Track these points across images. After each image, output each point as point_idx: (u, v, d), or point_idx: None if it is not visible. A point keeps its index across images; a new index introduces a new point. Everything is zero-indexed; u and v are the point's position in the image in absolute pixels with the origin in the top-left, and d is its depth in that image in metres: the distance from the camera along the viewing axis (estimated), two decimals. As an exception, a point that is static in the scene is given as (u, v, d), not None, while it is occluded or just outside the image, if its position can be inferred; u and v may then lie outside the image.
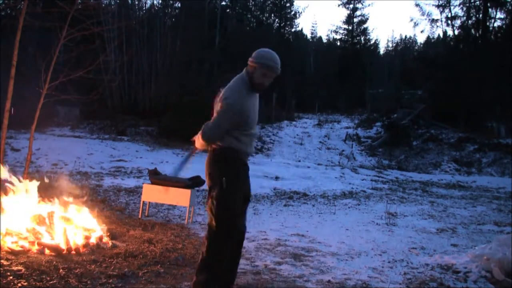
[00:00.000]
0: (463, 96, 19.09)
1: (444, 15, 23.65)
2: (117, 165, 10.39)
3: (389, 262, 4.45)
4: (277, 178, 10.28)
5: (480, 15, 22.19)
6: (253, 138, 3.07)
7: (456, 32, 23.50)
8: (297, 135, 19.53)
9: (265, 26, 33.30)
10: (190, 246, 4.43)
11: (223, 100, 2.91)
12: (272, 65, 2.95)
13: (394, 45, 54.78)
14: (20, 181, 4.45)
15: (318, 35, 54.51)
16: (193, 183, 5.76)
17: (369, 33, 40.41)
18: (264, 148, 16.51)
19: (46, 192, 4.79)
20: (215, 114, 2.97)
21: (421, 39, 73.90)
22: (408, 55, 43.05)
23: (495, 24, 22.66)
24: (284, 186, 9.31)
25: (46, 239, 3.97)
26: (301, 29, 51.99)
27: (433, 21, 24.21)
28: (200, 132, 3.01)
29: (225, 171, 2.94)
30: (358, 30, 38.52)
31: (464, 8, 22.87)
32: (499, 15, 23.70)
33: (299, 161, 14.51)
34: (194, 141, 3.14)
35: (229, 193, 2.90)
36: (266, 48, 3.07)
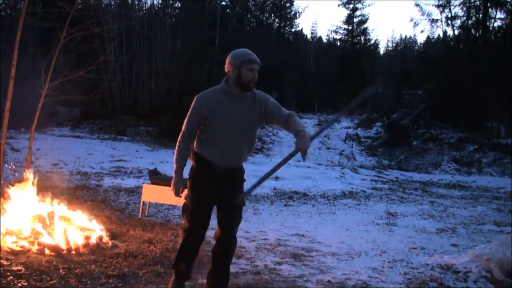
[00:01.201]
0: (463, 96, 19.08)
1: (444, 15, 23.64)
2: (117, 165, 10.39)
3: (389, 262, 4.45)
4: (277, 178, 10.27)
5: (480, 15, 22.17)
6: (223, 148, 2.93)
7: (456, 32, 23.50)
8: (297, 135, 19.51)
9: (265, 26, 33.28)
10: (190, 246, 4.42)
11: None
12: (252, 57, 2.92)
13: (394, 45, 54.77)
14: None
15: (318, 35, 54.51)
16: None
17: (369, 33, 40.34)
18: (264, 148, 16.51)
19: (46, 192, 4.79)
20: None
21: (421, 39, 73.80)
22: (408, 55, 43.03)
23: (495, 24, 22.66)
24: (284, 186, 9.31)
25: (46, 239, 3.97)
26: (301, 29, 51.91)
27: (433, 21, 24.19)
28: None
29: (190, 175, 3.03)
30: (358, 30, 38.47)
31: (464, 8, 22.85)
32: (499, 15, 23.72)
33: (299, 161, 14.50)
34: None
35: (190, 196, 3.00)
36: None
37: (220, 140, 2.92)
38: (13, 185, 4.38)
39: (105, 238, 4.30)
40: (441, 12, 23.59)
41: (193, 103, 2.95)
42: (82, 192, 7.21)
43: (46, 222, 4.10)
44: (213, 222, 3.06)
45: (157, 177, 5.84)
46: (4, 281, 3.09)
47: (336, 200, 8.57)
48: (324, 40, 47.30)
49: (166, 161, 11.45)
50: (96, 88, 7.68)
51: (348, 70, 33.59)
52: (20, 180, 4.47)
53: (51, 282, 3.18)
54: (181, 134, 2.98)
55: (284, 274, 3.85)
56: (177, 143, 2.99)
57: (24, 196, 4.38)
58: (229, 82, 2.95)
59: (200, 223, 3.00)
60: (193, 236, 3.02)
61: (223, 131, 2.91)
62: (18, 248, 3.76)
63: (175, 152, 3.00)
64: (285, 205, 7.70)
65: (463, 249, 5.16)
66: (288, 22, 36.85)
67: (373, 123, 22.21)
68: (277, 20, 35.99)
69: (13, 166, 5.03)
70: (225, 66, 2.98)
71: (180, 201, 5.57)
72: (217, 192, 2.98)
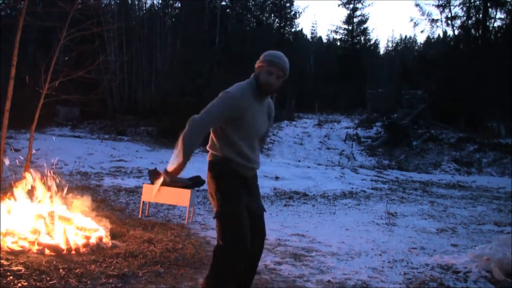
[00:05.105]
0: (463, 96, 19.08)
1: (444, 15, 23.68)
2: (117, 165, 10.40)
3: (389, 262, 4.45)
4: (277, 178, 10.28)
5: (480, 15, 22.19)
6: (252, 149, 2.77)
7: (456, 32, 23.52)
8: (297, 135, 19.52)
9: (265, 26, 33.23)
10: (190, 246, 4.43)
11: (222, 92, 2.69)
12: (276, 60, 2.71)
13: (394, 45, 54.82)
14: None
15: (318, 35, 54.53)
16: (193, 183, 5.76)
17: (369, 33, 40.42)
18: (264, 148, 16.51)
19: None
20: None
21: (421, 39, 73.75)
22: (408, 55, 43.02)
23: (495, 24, 22.69)
24: (284, 186, 9.31)
25: (46, 239, 3.97)
26: (301, 29, 51.99)
27: (433, 21, 24.23)
28: (184, 131, 2.62)
29: (220, 186, 2.69)
30: (358, 30, 38.50)
31: (464, 8, 22.88)
32: (499, 15, 23.76)
33: (299, 161, 14.51)
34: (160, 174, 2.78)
35: (227, 210, 2.66)
36: (265, 48, 2.98)
37: (250, 140, 2.77)
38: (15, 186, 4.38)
39: (105, 238, 4.30)
40: (441, 12, 23.67)
41: (225, 94, 2.66)
42: (82, 192, 7.21)
43: (46, 222, 4.10)
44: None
45: (157, 177, 5.83)
46: (4, 281, 3.09)
47: (336, 200, 8.57)
48: (324, 40, 47.37)
49: (166, 161, 11.40)
50: (96, 88, 7.69)
51: (348, 70, 33.61)
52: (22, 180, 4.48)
53: (51, 282, 3.18)
54: (204, 119, 2.61)
55: (284, 274, 3.85)
56: (197, 123, 2.60)
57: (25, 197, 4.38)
58: (252, 78, 2.80)
59: (246, 235, 2.68)
60: (241, 255, 2.68)
61: (253, 131, 2.76)
62: (18, 248, 3.76)
63: (187, 140, 2.58)
64: (285, 205, 7.70)
65: (463, 249, 5.16)
66: (288, 22, 36.81)
67: (373, 123, 22.24)
68: (277, 20, 35.96)
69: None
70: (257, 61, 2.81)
71: (180, 201, 5.61)
72: (250, 201, 2.79)
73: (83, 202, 4.79)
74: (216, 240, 2.76)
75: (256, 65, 2.80)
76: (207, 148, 2.79)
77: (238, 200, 2.69)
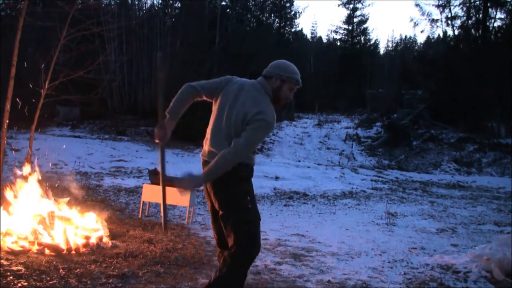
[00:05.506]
0: (463, 96, 19.07)
1: (444, 15, 23.66)
2: (117, 165, 10.40)
3: (389, 262, 4.45)
4: (277, 178, 10.28)
5: (480, 15, 22.18)
6: None
7: (456, 32, 23.51)
8: (297, 135, 19.51)
9: (265, 26, 33.24)
10: (190, 246, 4.43)
11: (261, 116, 2.60)
12: (299, 79, 2.78)
13: (394, 45, 54.75)
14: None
15: (318, 35, 54.50)
16: (193, 183, 5.75)
17: (369, 33, 40.42)
18: (264, 148, 16.50)
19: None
20: (249, 130, 2.60)
21: (421, 39, 73.63)
22: (408, 55, 42.99)
23: (495, 24, 22.66)
24: (284, 186, 9.31)
25: (46, 239, 3.97)
26: (301, 29, 51.93)
27: (433, 21, 24.20)
28: (229, 152, 2.60)
29: (248, 189, 2.71)
30: (358, 30, 38.51)
31: (464, 8, 22.86)
32: (499, 15, 23.71)
33: (299, 161, 14.51)
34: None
35: (256, 215, 2.70)
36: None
37: None
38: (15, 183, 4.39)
39: (105, 238, 4.30)
40: (441, 12, 23.63)
41: (268, 125, 2.64)
42: (82, 192, 7.21)
43: (46, 222, 4.10)
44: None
45: (157, 177, 5.83)
46: (4, 281, 3.09)
47: (336, 200, 8.57)
48: (324, 40, 47.31)
49: (166, 161, 11.44)
50: (96, 88, 7.69)
51: (348, 70, 33.60)
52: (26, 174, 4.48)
53: (51, 282, 3.18)
54: (250, 150, 2.67)
55: (284, 274, 3.85)
56: (234, 160, 2.61)
57: (26, 195, 4.38)
58: (268, 90, 2.75)
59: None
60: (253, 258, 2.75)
61: None
62: (18, 248, 3.76)
63: (224, 166, 2.62)
64: (285, 205, 7.70)
65: (463, 249, 5.16)
66: (288, 22, 36.85)
67: (373, 123, 22.22)
68: (277, 20, 35.98)
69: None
70: (268, 70, 2.78)
71: (180, 201, 5.60)
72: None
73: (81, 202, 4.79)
74: (226, 245, 2.71)
75: (275, 77, 2.74)
76: None
77: (255, 204, 2.75)
